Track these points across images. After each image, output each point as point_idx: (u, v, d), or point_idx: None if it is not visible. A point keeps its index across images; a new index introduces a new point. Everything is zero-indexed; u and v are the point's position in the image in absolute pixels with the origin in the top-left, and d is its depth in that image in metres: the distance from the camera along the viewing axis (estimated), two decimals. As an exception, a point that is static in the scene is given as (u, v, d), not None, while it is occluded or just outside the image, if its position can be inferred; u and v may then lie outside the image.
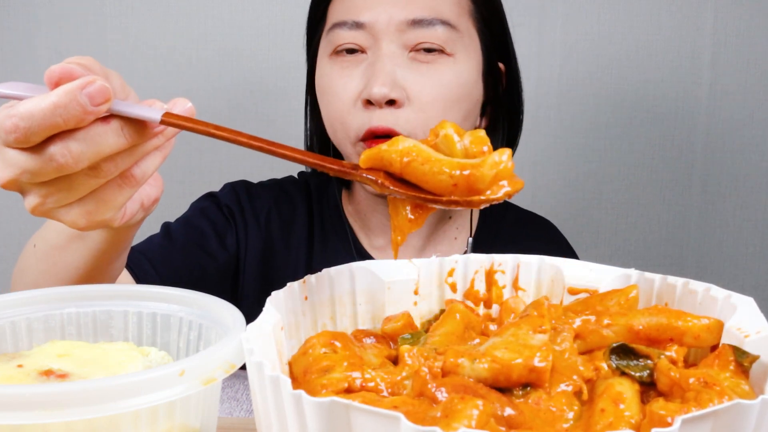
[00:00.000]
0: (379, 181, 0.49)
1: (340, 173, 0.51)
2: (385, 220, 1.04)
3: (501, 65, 1.02)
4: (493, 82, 1.00)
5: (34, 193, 0.54)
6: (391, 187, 0.48)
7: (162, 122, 0.52)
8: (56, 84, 0.51)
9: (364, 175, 0.49)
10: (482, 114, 1.01)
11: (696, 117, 1.61)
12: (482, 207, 0.47)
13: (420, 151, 0.48)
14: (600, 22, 1.58)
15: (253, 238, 1.05)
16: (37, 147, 0.51)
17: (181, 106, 0.54)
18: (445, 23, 0.91)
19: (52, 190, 0.54)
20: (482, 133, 0.49)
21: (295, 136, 1.59)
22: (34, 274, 0.74)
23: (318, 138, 1.06)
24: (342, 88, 0.92)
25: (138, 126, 0.53)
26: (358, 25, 0.92)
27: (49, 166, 0.51)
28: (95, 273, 0.72)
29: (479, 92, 0.98)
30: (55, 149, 0.51)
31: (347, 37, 0.92)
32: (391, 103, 0.89)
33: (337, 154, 1.03)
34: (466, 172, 0.46)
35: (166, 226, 1.03)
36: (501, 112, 1.04)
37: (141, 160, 0.55)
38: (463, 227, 1.10)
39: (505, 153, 0.46)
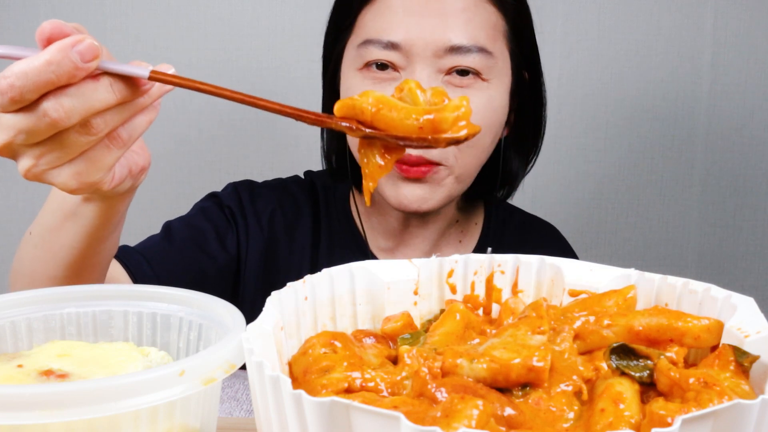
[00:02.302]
0: (354, 127, 0.54)
1: (317, 122, 0.55)
2: (396, 223, 1.04)
3: (525, 73, 1.01)
4: (518, 93, 0.99)
5: (27, 156, 0.57)
6: (367, 130, 0.54)
7: (150, 78, 0.55)
8: (48, 40, 0.54)
9: (340, 123, 0.54)
10: (505, 124, 1.00)
11: (696, 117, 1.61)
12: (447, 146, 0.54)
13: (388, 100, 0.54)
14: (600, 22, 1.58)
15: (254, 239, 1.04)
16: (31, 105, 0.53)
17: (165, 70, 0.57)
18: (481, 50, 0.90)
19: (45, 151, 0.56)
20: (441, 88, 0.55)
21: (295, 136, 1.60)
22: (31, 262, 0.75)
23: (336, 143, 1.05)
24: None
25: (127, 82, 0.56)
26: (393, 46, 0.90)
27: (43, 122, 0.53)
28: (89, 252, 0.73)
29: (507, 110, 0.97)
30: (49, 105, 0.53)
31: (381, 55, 0.91)
32: None
33: (354, 163, 1.01)
34: (430, 116, 0.53)
35: (167, 226, 1.03)
36: (526, 118, 1.03)
37: (128, 121, 0.58)
38: (468, 231, 1.10)
39: (464, 99, 0.53)
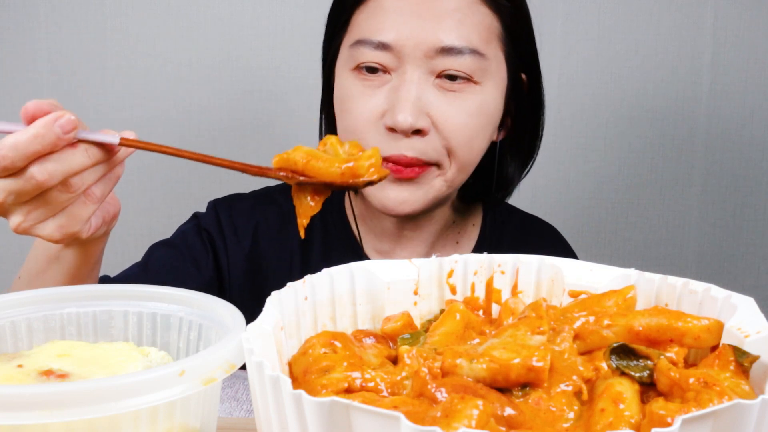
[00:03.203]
0: (290, 175, 0.67)
1: (260, 173, 0.68)
2: (391, 225, 1.04)
3: (523, 75, 1.00)
4: (515, 96, 0.98)
5: (17, 213, 0.67)
6: (301, 178, 0.66)
7: (120, 144, 0.67)
8: (32, 117, 0.64)
9: (278, 173, 0.67)
10: (500, 127, 1.00)
11: (696, 117, 1.61)
12: (365, 186, 0.66)
13: (315, 153, 0.67)
14: (600, 22, 1.58)
15: (234, 256, 1.05)
16: (20, 171, 0.64)
17: (128, 136, 0.68)
18: (473, 51, 0.89)
19: (32, 208, 0.67)
20: (356, 141, 0.69)
21: (294, 135, 1.60)
22: None
23: None
24: (363, 106, 0.91)
25: (99, 148, 0.67)
26: (383, 46, 0.89)
27: (30, 183, 0.64)
28: None
29: (501, 112, 0.97)
30: (35, 169, 0.64)
31: (372, 56, 0.90)
32: (417, 131, 0.89)
33: None
34: (350, 164, 0.66)
35: (148, 254, 1.04)
36: (523, 122, 1.02)
37: (99, 180, 0.69)
38: (465, 232, 1.09)
39: (375, 151, 0.66)
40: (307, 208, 0.68)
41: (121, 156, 0.70)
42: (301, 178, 0.67)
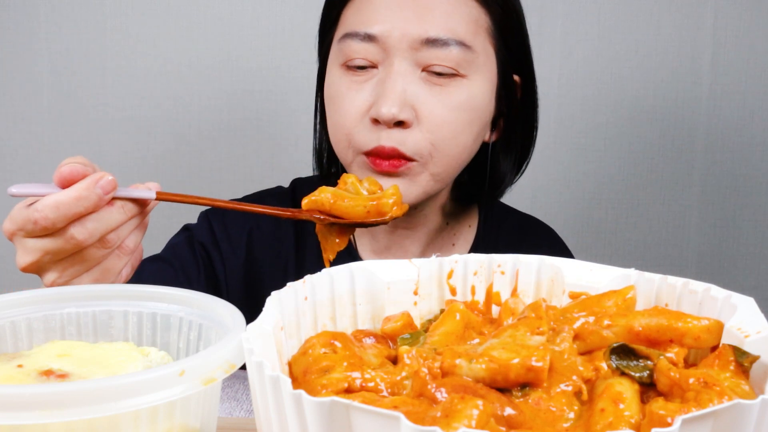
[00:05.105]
0: (321, 217, 0.73)
1: (292, 217, 0.74)
2: (386, 227, 1.04)
3: (516, 77, 0.99)
4: (507, 96, 0.98)
5: (52, 270, 0.69)
6: (331, 219, 0.73)
7: (157, 198, 0.71)
8: (68, 180, 0.66)
9: (312, 215, 0.73)
10: (493, 128, 0.99)
11: (696, 117, 1.61)
12: (390, 221, 0.73)
13: (340, 194, 0.73)
14: (600, 22, 1.58)
15: (232, 266, 1.05)
16: (58, 231, 0.66)
17: (153, 185, 0.72)
18: (460, 44, 0.89)
19: (67, 265, 0.69)
20: (373, 178, 0.76)
21: (294, 135, 1.60)
22: None
23: (327, 138, 1.05)
24: (350, 102, 0.91)
25: (134, 203, 0.70)
26: (370, 38, 0.89)
27: (70, 243, 0.66)
28: None
29: (492, 110, 0.96)
30: (75, 230, 0.66)
31: (359, 50, 0.90)
32: (400, 123, 0.88)
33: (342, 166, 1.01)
34: (374, 203, 0.73)
35: (140, 270, 1.04)
36: (516, 124, 1.01)
37: (131, 233, 0.72)
38: (460, 234, 1.09)
39: (396, 188, 0.74)
40: (333, 244, 0.74)
41: (150, 207, 0.73)
42: (333, 219, 0.73)
